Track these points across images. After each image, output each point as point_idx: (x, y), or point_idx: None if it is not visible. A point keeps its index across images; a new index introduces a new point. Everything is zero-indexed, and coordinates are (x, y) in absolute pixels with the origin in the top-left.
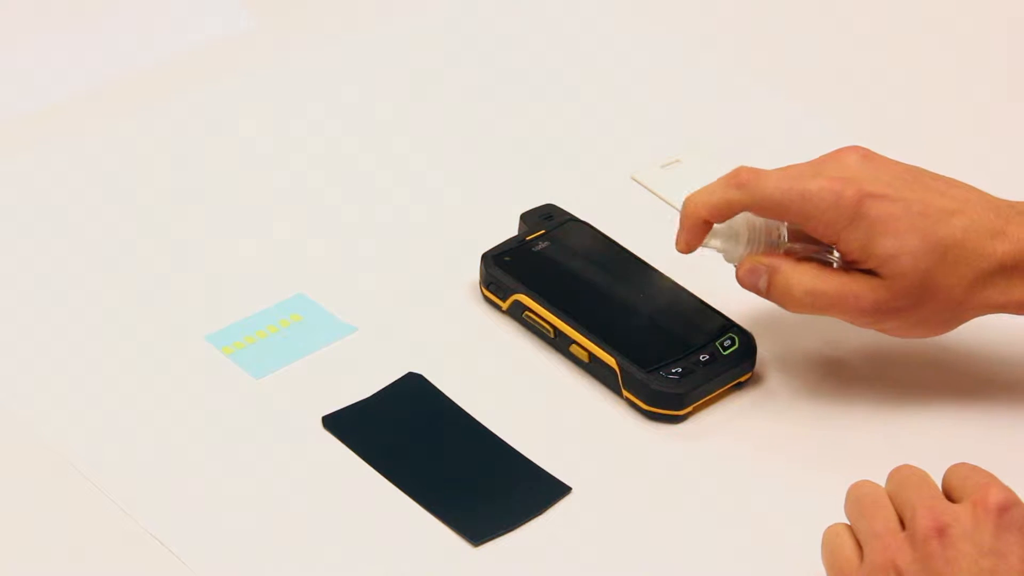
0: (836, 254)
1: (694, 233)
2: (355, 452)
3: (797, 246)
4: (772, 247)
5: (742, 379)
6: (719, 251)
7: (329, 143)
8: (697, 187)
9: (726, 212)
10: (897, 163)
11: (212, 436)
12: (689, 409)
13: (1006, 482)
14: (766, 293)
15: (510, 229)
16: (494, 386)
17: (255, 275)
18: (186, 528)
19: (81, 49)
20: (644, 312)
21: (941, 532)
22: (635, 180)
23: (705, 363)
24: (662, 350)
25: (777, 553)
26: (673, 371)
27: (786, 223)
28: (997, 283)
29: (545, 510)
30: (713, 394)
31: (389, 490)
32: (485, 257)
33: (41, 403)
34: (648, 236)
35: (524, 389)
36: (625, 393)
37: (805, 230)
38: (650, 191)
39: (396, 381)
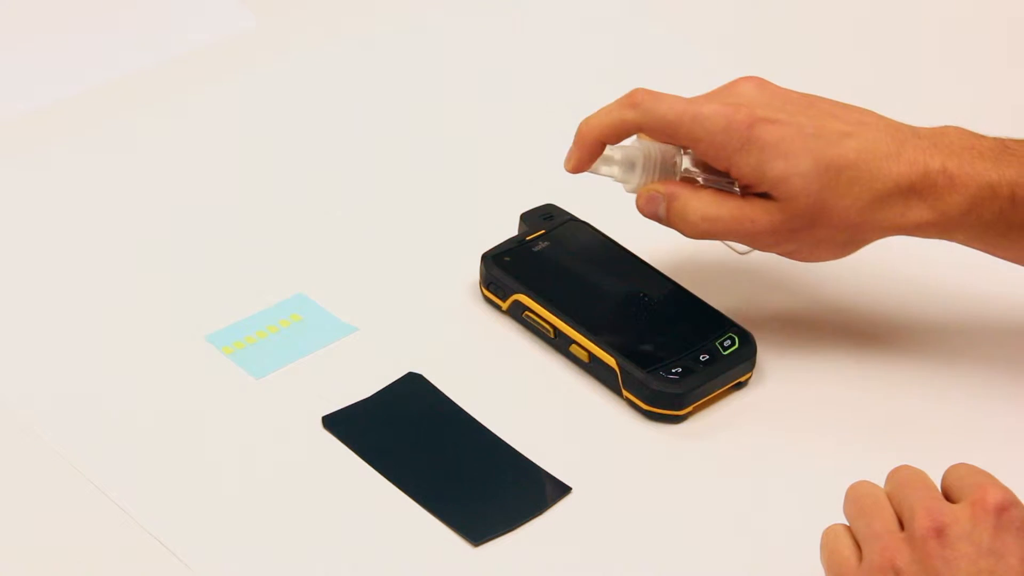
0: (736, 184)
1: (586, 152)
2: (355, 452)
3: (695, 171)
4: (668, 175)
5: (742, 379)
6: (617, 180)
7: (329, 143)
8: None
9: (620, 131)
10: (793, 91)
11: (212, 436)
12: (689, 409)
13: (1005, 483)
14: (665, 220)
15: (510, 229)
16: (494, 386)
17: (255, 275)
18: (186, 528)
19: (81, 49)
20: (644, 312)
21: (940, 532)
22: None
23: (705, 363)
24: (662, 350)
25: (777, 553)
26: (673, 371)
27: (684, 151)
28: (893, 205)
29: (545, 510)
30: (713, 394)
31: (389, 490)
32: (485, 257)
33: (41, 403)
34: (648, 236)
35: (524, 389)
36: (625, 393)
37: (697, 153)
38: None
39: (396, 381)
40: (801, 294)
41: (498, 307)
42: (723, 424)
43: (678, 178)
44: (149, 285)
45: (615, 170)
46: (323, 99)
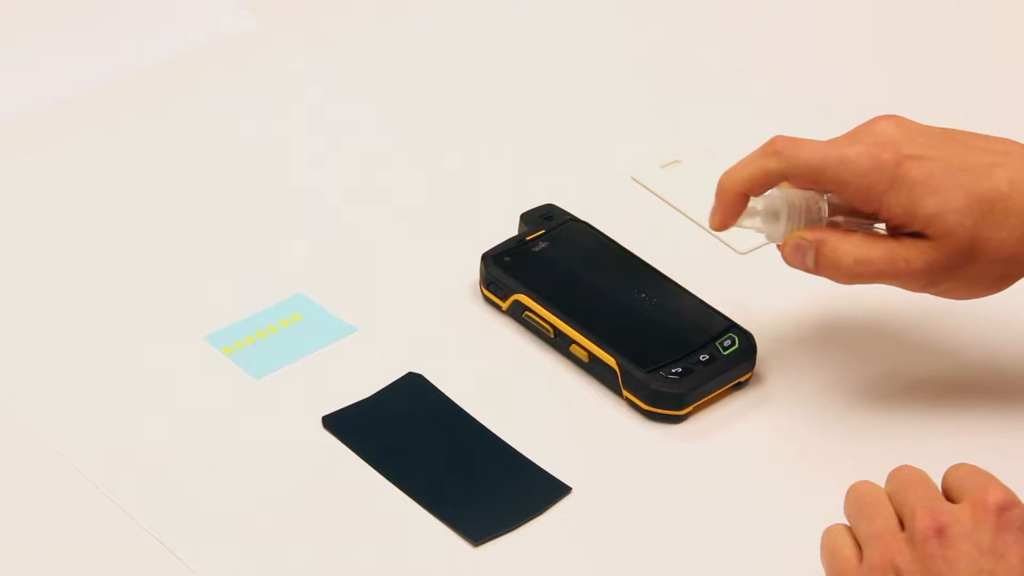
0: (880, 225)
1: (730, 209)
2: (355, 452)
3: (839, 219)
4: (813, 223)
5: (742, 379)
6: (759, 231)
7: (329, 143)
8: (696, 188)
9: (763, 182)
10: (931, 126)
11: (212, 436)
12: (689, 409)
13: (1006, 483)
14: (814, 268)
15: (510, 229)
16: (494, 386)
17: (255, 275)
18: (186, 528)
19: (81, 49)
20: (644, 312)
21: (940, 532)
22: (635, 180)
23: (705, 363)
24: (662, 350)
25: (777, 553)
26: (673, 371)
27: (826, 196)
28: None
29: (545, 510)
30: (713, 394)
31: (389, 490)
32: (485, 257)
33: (41, 403)
34: (648, 236)
35: (524, 389)
36: (625, 393)
37: (845, 198)
38: (650, 191)
39: (396, 381)
40: (801, 294)
41: (498, 307)
42: (723, 424)
43: (823, 224)
44: (149, 285)
45: (758, 222)
46: (323, 99)
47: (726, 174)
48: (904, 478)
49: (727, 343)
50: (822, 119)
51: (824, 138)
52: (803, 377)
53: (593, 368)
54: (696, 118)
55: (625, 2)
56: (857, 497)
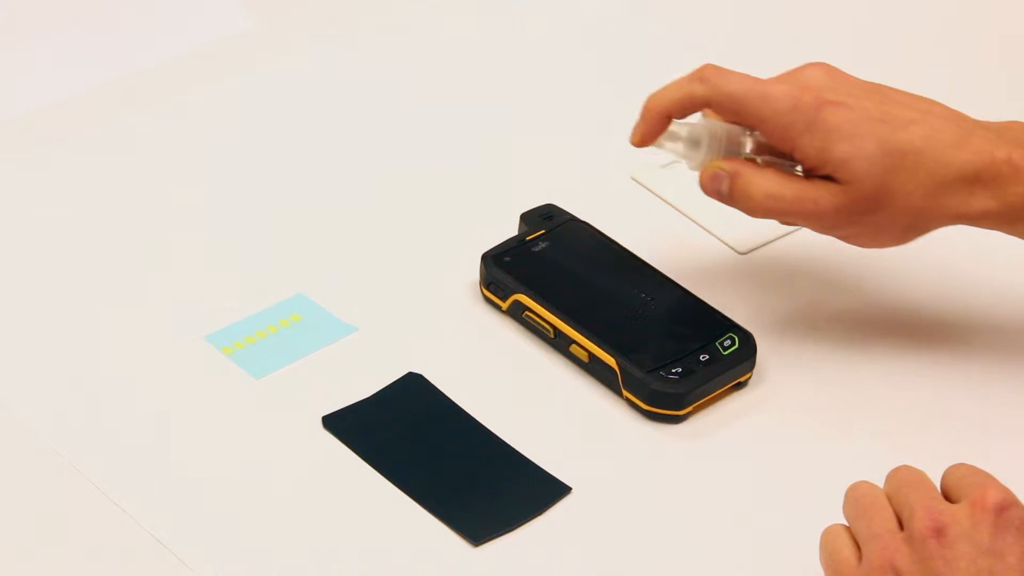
0: (799, 168)
1: (651, 127)
2: (355, 452)
3: (758, 158)
4: (733, 156)
5: (742, 379)
6: (680, 157)
7: (329, 143)
8: (696, 188)
9: (687, 106)
10: (860, 79)
11: (212, 436)
12: (689, 409)
13: (1007, 483)
14: (728, 197)
15: (510, 229)
16: (494, 386)
17: (255, 275)
18: (186, 528)
19: (81, 49)
20: (644, 312)
21: (939, 532)
22: (635, 180)
23: (705, 363)
24: (662, 350)
25: (777, 553)
26: (673, 371)
27: (751, 134)
28: (957, 192)
29: (545, 510)
30: (713, 394)
31: (389, 490)
32: (485, 257)
33: (41, 403)
34: (648, 236)
35: (524, 389)
36: (625, 393)
37: (762, 134)
38: (650, 191)
39: (396, 381)
40: (801, 294)
41: (498, 307)
42: (723, 424)
43: (742, 158)
44: (149, 285)
45: (679, 146)
46: (323, 99)
47: (652, 94)
48: (903, 478)
49: (727, 343)
50: None
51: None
52: (803, 377)
53: (593, 368)
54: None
55: (625, 2)
56: (856, 497)
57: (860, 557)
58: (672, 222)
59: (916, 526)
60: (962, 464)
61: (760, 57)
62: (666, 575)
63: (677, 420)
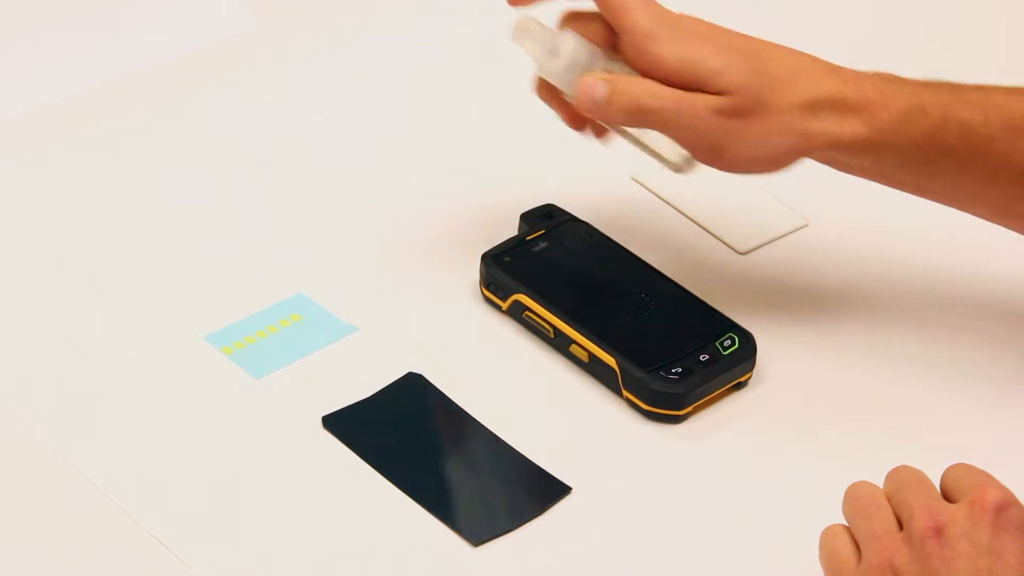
0: None
1: None
2: (355, 452)
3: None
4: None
5: (742, 379)
6: (535, 60)
7: (329, 143)
8: (696, 188)
9: None
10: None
11: (212, 436)
12: (689, 409)
13: (1007, 484)
14: (605, 104)
15: (510, 229)
16: (494, 386)
17: (255, 275)
18: (186, 528)
19: (81, 49)
20: (644, 312)
21: (938, 532)
22: (635, 180)
23: (705, 363)
24: (662, 350)
25: (776, 553)
26: (673, 371)
27: (611, 58)
28: (828, 115)
29: (545, 510)
30: (713, 394)
31: (389, 490)
32: (485, 257)
33: (41, 403)
34: (648, 236)
35: (524, 389)
36: (625, 393)
37: (626, 42)
38: (650, 191)
39: (396, 381)
40: (801, 294)
41: (498, 307)
42: (723, 424)
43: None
44: (149, 285)
45: (539, 49)
46: (323, 99)
47: None
48: (902, 478)
49: (727, 343)
50: None
51: None
52: (803, 377)
53: (593, 368)
54: None
55: None
56: (855, 497)
57: (859, 557)
58: (672, 222)
59: (915, 526)
60: (961, 464)
61: None
62: (666, 575)
63: (677, 420)
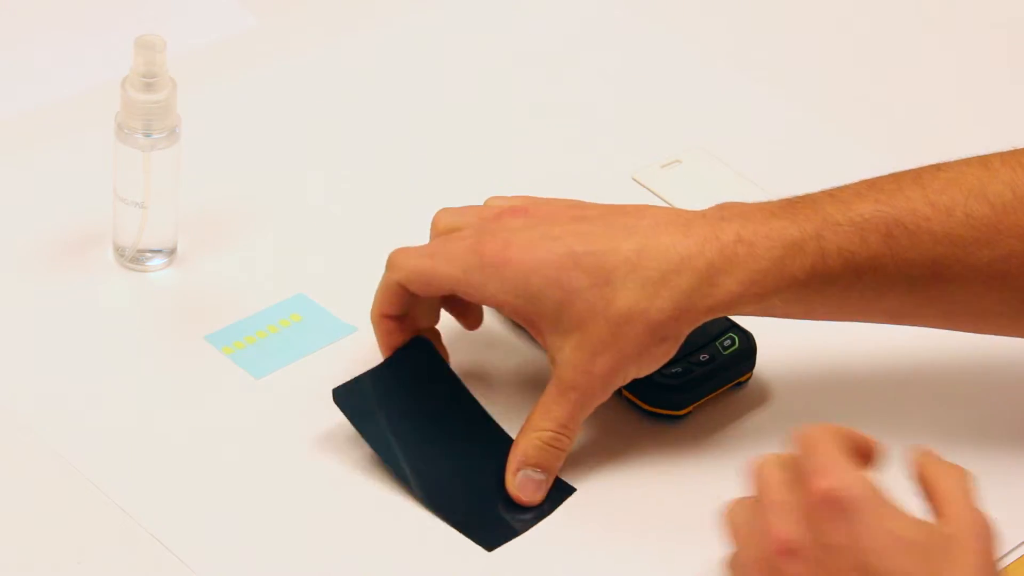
0: None
1: (383, 333)
2: (364, 437)
3: None
4: None
5: (742, 379)
6: None
7: (329, 143)
8: (696, 188)
9: (395, 298)
10: (562, 206)
11: (212, 436)
12: (689, 409)
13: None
14: (547, 477)
15: None
16: (494, 386)
17: (255, 275)
18: (186, 528)
19: (81, 49)
20: None
21: (834, 501)
22: (635, 180)
23: (705, 363)
24: None
25: None
26: (673, 371)
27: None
28: (696, 288)
29: (552, 511)
30: (713, 394)
31: (390, 490)
32: None
33: (41, 403)
34: None
35: (524, 389)
36: (625, 393)
37: (460, 294)
38: (650, 191)
39: (404, 347)
40: None
41: None
42: (723, 424)
43: None
44: (149, 285)
45: None
46: (323, 99)
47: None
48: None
49: (727, 343)
50: (822, 119)
51: (828, 136)
52: (803, 377)
53: None
54: (696, 118)
55: (625, 2)
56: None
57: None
58: None
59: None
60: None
61: (760, 57)
62: (666, 574)
63: (677, 420)
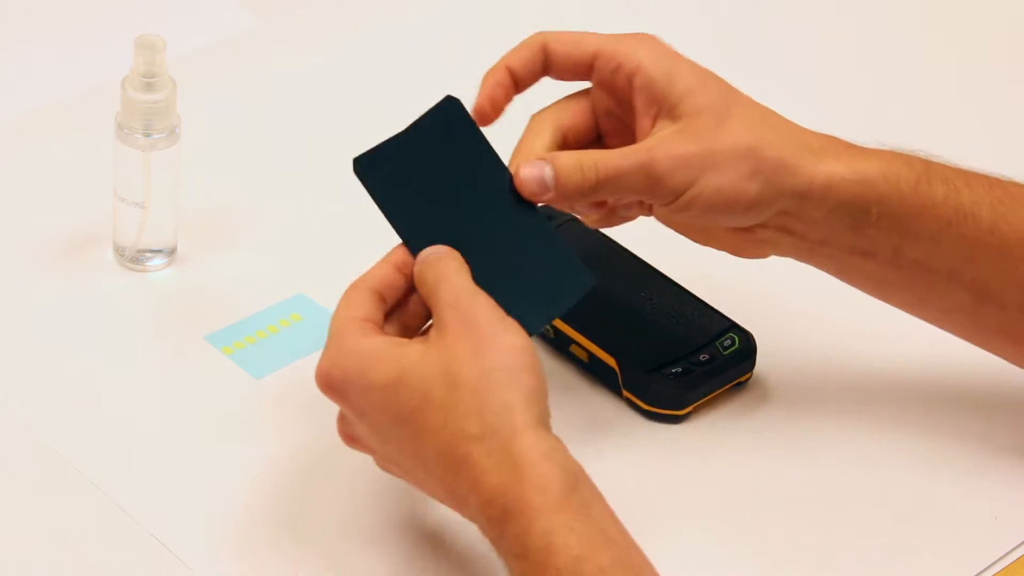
0: None
1: (496, 83)
2: (383, 210)
3: None
4: None
5: (742, 379)
6: None
7: (329, 143)
8: None
9: (528, 54)
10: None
11: (212, 436)
12: (689, 409)
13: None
14: (554, 183)
15: None
16: None
17: (255, 275)
18: (186, 528)
19: (81, 49)
20: (644, 312)
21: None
22: None
23: (705, 363)
24: (662, 350)
25: (776, 552)
26: (673, 371)
27: None
28: (804, 154)
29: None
30: (713, 394)
31: (391, 491)
32: None
33: (41, 403)
34: (648, 236)
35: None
36: (625, 393)
37: (600, 64)
38: None
39: (432, 110)
40: (801, 294)
41: None
42: (723, 424)
43: None
44: (149, 285)
45: None
46: (323, 99)
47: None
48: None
49: (727, 343)
50: (822, 119)
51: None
52: (803, 377)
53: (593, 368)
54: None
55: (625, 2)
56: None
57: None
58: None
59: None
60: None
61: (760, 57)
62: (666, 574)
63: (677, 420)
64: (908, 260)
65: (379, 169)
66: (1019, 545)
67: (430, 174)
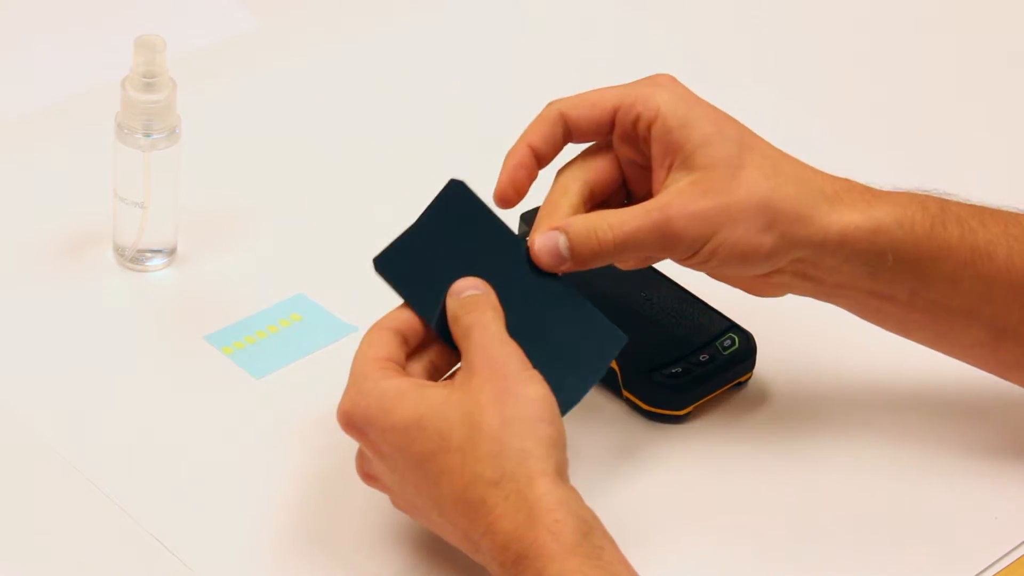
0: None
1: (517, 165)
2: (411, 304)
3: None
4: None
5: (742, 379)
6: None
7: (329, 143)
8: None
9: (549, 127)
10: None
11: (212, 436)
12: (689, 409)
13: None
14: (569, 252)
15: None
16: None
17: (255, 275)
18: (186, 528)
19: (81, 49)
20: (644, 312)
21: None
22: None
23: (705, 363)
24: (662, 350)
25: (777, 552)
26: (673, 371)
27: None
28: (818, 203)
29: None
30: (713, 394)
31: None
32: None
33: (41, 403)
34: None
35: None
36: (625, 393)
37: (619, 124)
38: None
39: (439, 197)
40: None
41: None
42: (723, 424)
43: None
44: (149, 285)
45: None
46: (323, 99)
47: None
48: None
49: (727, 343)
50: (822, 119)
51: (828, 136)
52: (803, 377)
53: None
54: None
55: (625, 2)
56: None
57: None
58: None
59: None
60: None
61: (760, 57)
62: (666, 574)
63: (677, 420)
64: (926, 301)
65: (398, 264)
66: (1019, 545)
67: (448, 258)
